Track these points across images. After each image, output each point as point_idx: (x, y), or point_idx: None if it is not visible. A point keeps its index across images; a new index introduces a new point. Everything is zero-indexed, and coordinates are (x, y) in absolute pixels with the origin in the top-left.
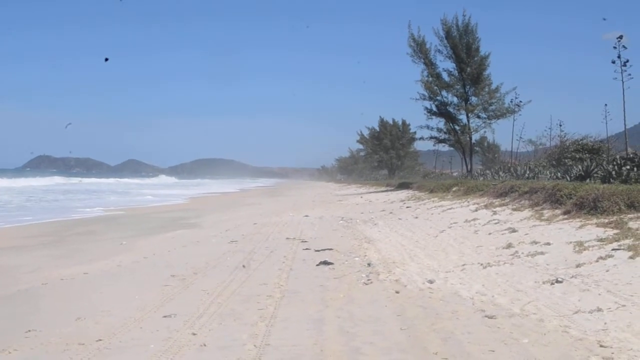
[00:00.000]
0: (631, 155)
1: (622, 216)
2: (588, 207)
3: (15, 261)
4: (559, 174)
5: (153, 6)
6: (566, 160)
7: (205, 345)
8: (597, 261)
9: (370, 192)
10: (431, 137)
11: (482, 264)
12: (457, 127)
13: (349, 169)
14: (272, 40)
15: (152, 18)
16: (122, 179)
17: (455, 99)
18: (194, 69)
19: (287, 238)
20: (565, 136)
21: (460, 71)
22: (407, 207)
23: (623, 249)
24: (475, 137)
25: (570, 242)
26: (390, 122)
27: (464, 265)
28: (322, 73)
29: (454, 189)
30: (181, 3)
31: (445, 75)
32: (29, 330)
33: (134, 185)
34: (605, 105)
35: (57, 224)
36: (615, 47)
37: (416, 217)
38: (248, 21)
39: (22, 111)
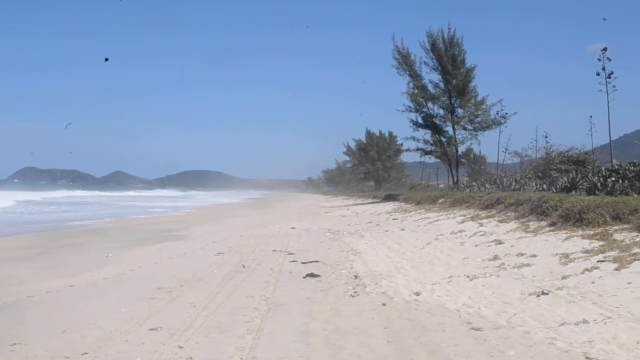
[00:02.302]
0: (616, 167)
1: (607, 228)
2: (574, 219)
3: (1, 273)
4: (544, 186)
5: (133, 18)
6: (552, 172)
7: (191, 358)
8: (582, 273)
9: (357, 204)
10: (417, 149)
11: (468, 276)
12: (443, 139)
13: (336, 181)
14: (259, 51)
15: (137, 30)
16: (134, 192)
17: (441, 111)
18: (179, 81)
19: (274, 250)
20: (550, 148)
21: (446, 83)
22: (394, 219)
23: (608, 261)
24: (462, 148)
25: (556, 254)
26: (377, 133)
27: (450, 277)
28: (307, 84)
29: (440, 200)
30: (166, 13)
31: (431, 87)
32: (14, 344)
33: (150, 198)
34: (591, 117)
35: (44, 235)
36: (599, 59)
37: (403, 229)
38: (234, 32)
39: (6, 122)
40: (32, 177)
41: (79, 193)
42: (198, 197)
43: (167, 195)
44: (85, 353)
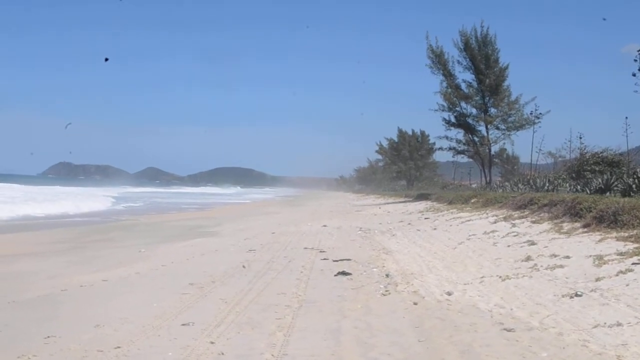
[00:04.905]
0: None
1: None
2: (608, 221)
3: (35, 267)
4: (578, 187)
5: (170, 12)
6: (586, 173)
7: (223, 354)
8: (617, 275)
9: (389, 203)
10: (450, 148)
11: (500, 277)
12: (476, 139)
13: (368, 180)
14: (288, 49)
15: (161, 25)
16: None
17: (474, 110)
18: (206, 77)
19: (305, 248)
20: (585, 149)
21: (479, 82)
22: (426, 218)
23: None
24: (495, 148)
25: (590, 256)
26: (409, 132)
27: (482, 277)
28: (342, 83)
29: (472, 200)
30: (195, 11)
31: (464, 86)
32: (48, 337)
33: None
34: (626, 118)
35: (76, 230)
36: (635, 60)
37: (435, 229)
38: (262, 29)
39: (39, 117)
40: (66, 172)
41: (138, 189)
42: (247, 194)
43: (223, 193)
44: (118, 347)
